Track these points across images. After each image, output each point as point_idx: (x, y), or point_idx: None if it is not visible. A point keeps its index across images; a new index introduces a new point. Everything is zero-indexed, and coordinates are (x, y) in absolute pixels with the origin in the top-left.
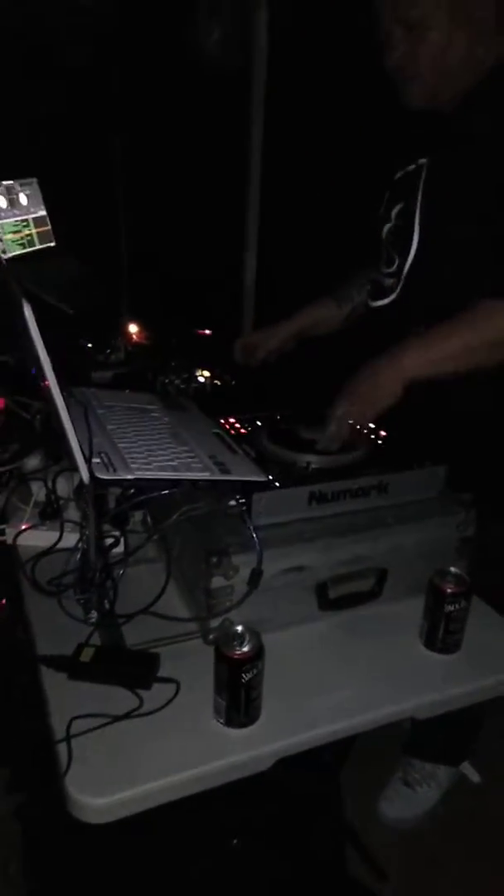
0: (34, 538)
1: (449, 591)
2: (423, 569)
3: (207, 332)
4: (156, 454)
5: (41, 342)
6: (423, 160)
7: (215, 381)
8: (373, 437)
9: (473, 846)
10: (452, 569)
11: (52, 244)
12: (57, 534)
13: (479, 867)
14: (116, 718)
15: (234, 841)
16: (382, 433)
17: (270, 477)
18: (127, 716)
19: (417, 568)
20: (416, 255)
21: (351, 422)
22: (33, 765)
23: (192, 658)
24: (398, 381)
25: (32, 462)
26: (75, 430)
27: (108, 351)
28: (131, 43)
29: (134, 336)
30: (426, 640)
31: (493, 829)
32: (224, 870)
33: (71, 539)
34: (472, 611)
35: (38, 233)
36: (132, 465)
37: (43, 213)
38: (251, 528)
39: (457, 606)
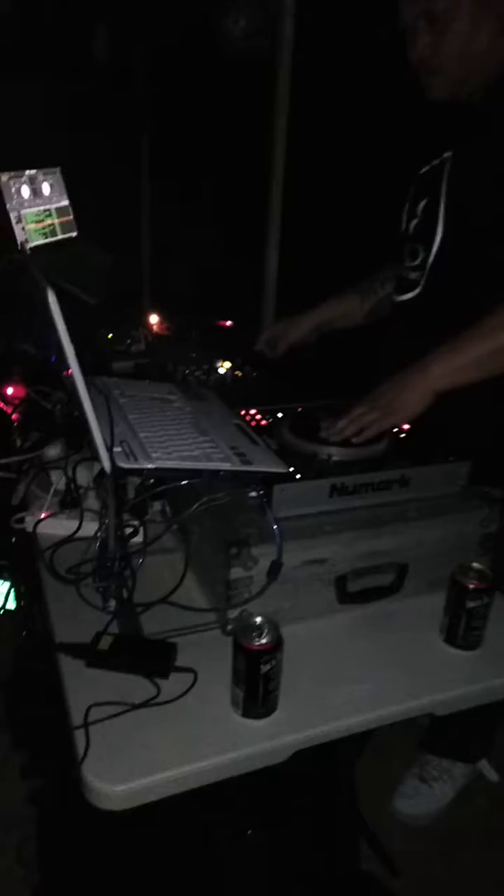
0: (54, 527)
1: (471, 586)
2: (444, 564)
3: (228, 323)
4: (177, 444)
5: (65, 331)
6: (447, 154)
7: (236, 373)
8: (397, 430)
9: (488, 845)
10: (475, 564)
11: (75, 234)
12: (76, 522)
13: (493, 867)
14: (134, 707)
15: (249, 832)
16: (406, 426)
17: (292, 469)
18: (144, 704)
19: (439, 563)
20: (439, 249)
21: (365, 424)
22: (50, 751)
23: (210, 648)
24: (424, 397)
25: (52, 451)
26: (97, 420)
27: (129, 341)
28: (157, 31)
29: (155, 327)
30: (447, 636)
31: None
32: (237, 860)
33: (90, 528)
34: (494, 607)
35: (60, 223)
36: (153, 455)
37: (66, 202)
38: (273, 519)
39: (479, 602)
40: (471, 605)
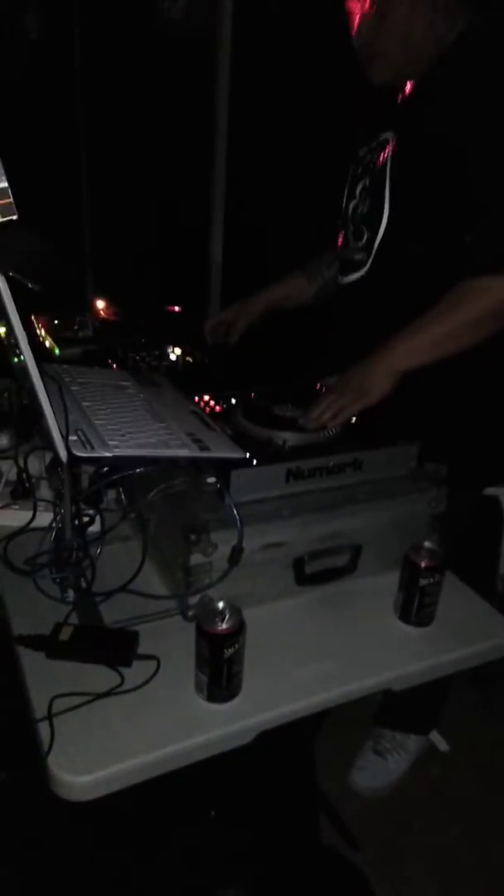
0: (6, 518)
1: (423, 565)
2: (397, 544)
3: (177, 308)
4: (133, 431)
5: (17, 317)
6: (386, 135)
7: (187, 359)
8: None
9: (442, 812)
10: (427, 543)
11: (14, 217)
12: (29, 513)
13: (448, 833)
14: (97, 696)
15: (212, 813)
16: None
17: (248, 454)
18: (108, 694)
19: (391, 543)
20: (386, 229)
21: (338, 409)
22: (13, 744)
23: (172, 635)
24: (389, 377)
25: (2, 441)
26: (51, 407)
27: (77, 327)
28: (95, 8)
29: (102, 312)
30: (401, 614)
31: (460, 794)
32: (201, 841)
33: (44, 518)
34: (444, 584)
35: None
36: (110, 443)
37: (4, 184)
38: (232, 504)
39: (431, 580)
40: (423, 582)
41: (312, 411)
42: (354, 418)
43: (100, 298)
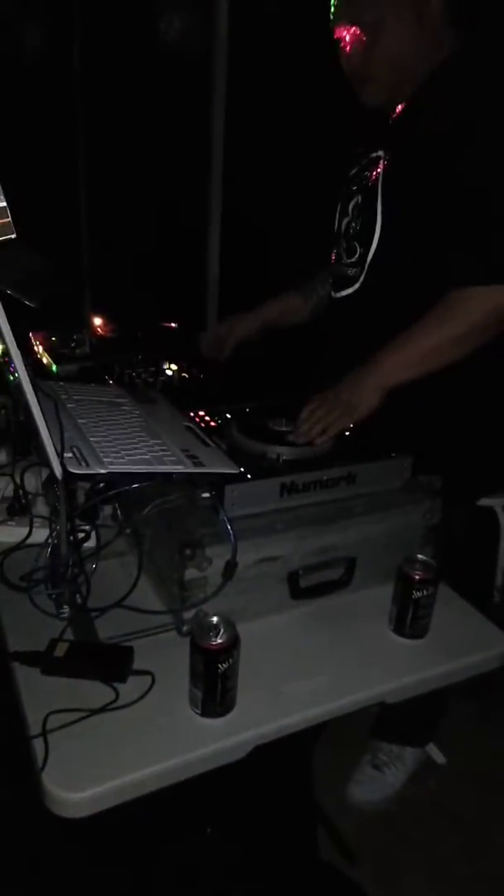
0: (2, 534)
1: (417, 577)
2: (391, 557)
3: (173, 325)
4: (128, 448)
5: (11, 335)
6: (377, 153)
7: (183, 375)
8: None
9: (440, 824)
10: (420, 556)
11: (13, 236)
12: (25, 529)
13: (447, 845)
14: (92, 712)
15: (208, 830)
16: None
17: (242, 469)
18: (103, 709)
19: (386, 556)
20: (378, 245)
21: (327, 424)
22: (7, 761)
23: (167, 650)
24: (377, 392)
25: None
26: (46, 425)
27: (73, 344)
28: (93, 32)
29: (99, 329)
30: (395, 626)
31: (458, 807)
32: (198, 857)
33: (40, 535)
34: (438, 596)
35: None
36: (105, 460)
37: (3, 204)
38: (226, 519)
39: (425, 592)
40: (417, 595)
41: (301, 425)
42: (348, 432)
43: (97, 316)
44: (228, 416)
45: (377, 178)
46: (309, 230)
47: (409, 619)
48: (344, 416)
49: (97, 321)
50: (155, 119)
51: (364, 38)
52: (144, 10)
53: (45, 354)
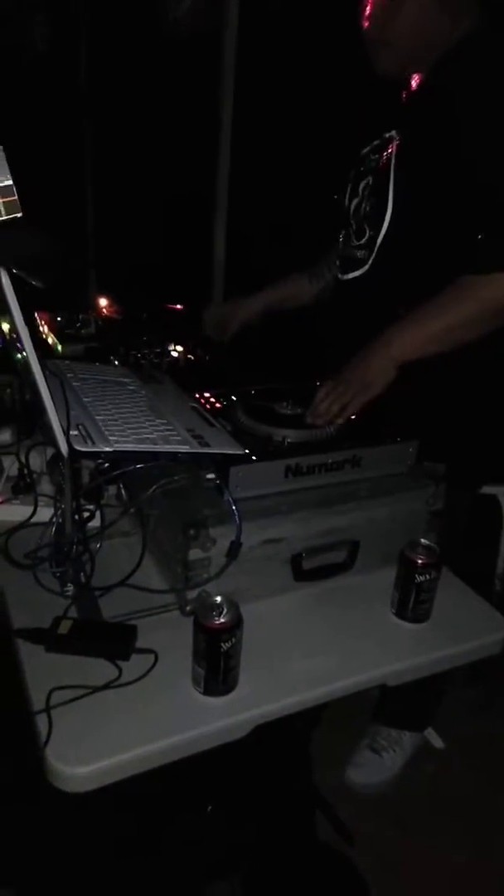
0: (7, 513)
1: (420, 561)
2: (394, 541)
3: (179, 306)
4: (134, 427)
5: (19, 313)
6: (389, 133)
7: (188, 356)
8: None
9: (436, 809)
10: (423, 540)
11: (19, 215)
12: (30, 508)
13: (443, 829)
14: (95, 689)
15: (209, 808)
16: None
17: (247, 451)
18: (106, 686)
19: (389, 540)
20: (389, 227)
21: (339, 404)
22: (11, 736)
23: (170, 629)
24: (390, 367)
25: (3, 436)
26: (53, 402)
27: (79, 325)
28: (100, 19)
29: (104, 310)
30: (397, 610)
31: (455, 791)
32: (197, 835)
33: (45, 513)
34: (440, 581)
35: (4, 203)
36: (111, 438)
37: (9, 182)
38: (231, 500)
39: (427, 577)
40: (420, 579)
41: (318, 406)
42: (353, 416)
43: (102, 297)
44: (234, 397)
45: (389, 158)
46: (316, 213)
47: (412, 602)
48: (360, 394)
49: (102, 302)
50: (162, 103)
51: (386, 2)
52: None
53: (51, 335)
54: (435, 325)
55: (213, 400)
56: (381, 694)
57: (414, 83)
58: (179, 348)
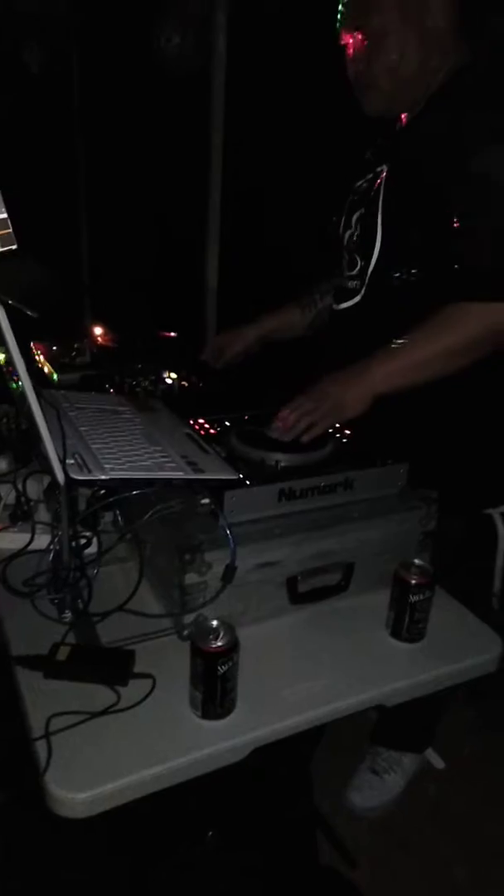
0: (5, 540)
1: (413, 581)
2: (388, 562)
3: (172, 334)
4: (129, 454)
5: (15, 345)
6: (380, 167)
7: (183, 383)
8: (339, 435)
9: (439, 830)
10: (417, 561)
11: (14, 247)
12: (27, 536)
13: (445, 850)
14: (94, 715)
15: (209, 833)
16: (347, 431)
17: (241, 476)
18: (104, 712)
19: (382, 561)
20: (378, 258)
21: (306, 420)
22: (10, 764)
23: (167, 654)
24: (367, 396)
25: (1, 465)
26: (49, 432)
27: (74, 353)
28: (93, 47)
29: (99, 338)
30: (392, 630)
31: (457, 812)
32: (200, 861)
33: (42, 541)
34: (434, 600)
35: None
36: (106, 466)
37: (4, 215)
38: (226, 524)
39: (421, 597)
40: (414, 599)
41: (285, 416)
42: (345, 439)
43: (97, 325)
44: (227, 423)
45: (378, 191)
46: (307, 241)
47: (406, 622)
48: (330, 415)
49: (97, 331)
50: (153, 131)
51: (367, 45)
52: (143, 25)
53: (47, 364)
54: (416, 356)
55: (207, 426)
56: (380, 715)
57: (404, 118)
58: (174, 375)
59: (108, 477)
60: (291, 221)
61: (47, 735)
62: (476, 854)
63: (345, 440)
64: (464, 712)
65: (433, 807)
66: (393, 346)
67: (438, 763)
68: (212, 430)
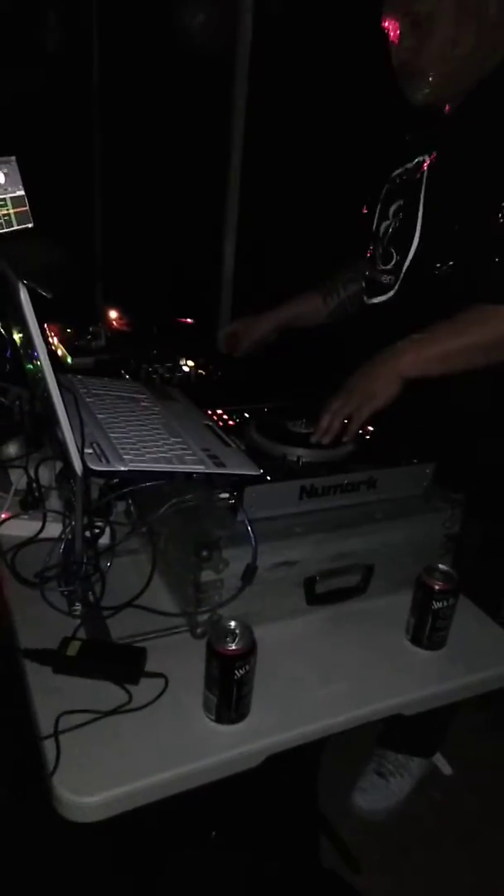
0: (14, 528)
1: (437, 587)
2: (409, 564)
3: (189, 320)
4: (148, 445)
5: (36, 325)
6: (421, 157)
7: (200, 371)
8: (363, 432)
9: (444, 835)
10: (441, 566)
11: (30, 225)
12: (38, 523)
13: (450, 856)
14: (104, 714)
15: (213, 833)
16: (370, 428)
17: (262, 471)
18: (115, 712)
19: (404, 563)
20: (416, 253)
21: (345, 418)
22: (16, 761)
23: (179, 652)
24: (395, 380)
25: (12, 449)
26: (68, 419)
27: (90, 336)
28: (114, 26)
29: (114, 322)
30: (413, 637)
31: (463, 818)
32: (202, 863)
33: (53, 529)
34: (457, 607)
35: (15, 213)
36: (125, 457)
37: (21, 192)
38: (247, 522)
39: (445, 603)
40: (437, 606)
41: (320, 422)
42: (369, 436)
43: (112, 309)
44: (247, 415)
45: (420, 183)
46: (325, 227)
47: (428, 629)
48: (363, 406)
49: (112, 314)
50: (174, 112)
51: (416, 30)
52: (166, 7)
53: (60, 346)
54: (446, 345)
55: (225, 416)
56: (390, 719)
57: (448, 108)
58: (191, 363)
59: (127, 468)
60: (311, 207)
61: (56, 734)
62: (481, 860)
63: (369, 437)
64: (473, 719)
65: (439, 813)
66: (425, 332)
67: (446, 769)
68: (230, 422)
